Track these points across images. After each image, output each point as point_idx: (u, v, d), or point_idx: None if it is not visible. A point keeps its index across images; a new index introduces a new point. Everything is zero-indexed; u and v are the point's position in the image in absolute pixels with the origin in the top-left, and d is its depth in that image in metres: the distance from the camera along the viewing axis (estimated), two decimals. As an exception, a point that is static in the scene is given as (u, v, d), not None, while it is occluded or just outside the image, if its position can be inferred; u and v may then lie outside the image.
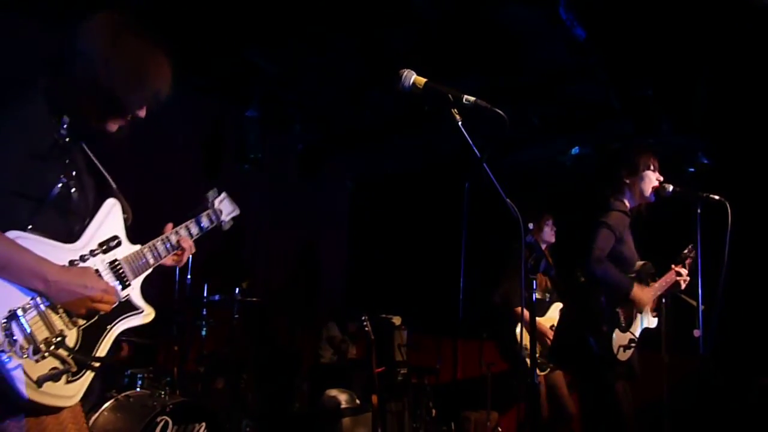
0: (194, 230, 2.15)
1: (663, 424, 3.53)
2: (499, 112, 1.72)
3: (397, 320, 5.78)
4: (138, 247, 1.88)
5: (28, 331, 1.49)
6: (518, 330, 4.48)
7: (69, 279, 1.58)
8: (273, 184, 6.04)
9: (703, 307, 3.08)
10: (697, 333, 3.03)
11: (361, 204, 7.52)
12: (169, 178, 4.85)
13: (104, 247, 1.75)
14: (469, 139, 1.76)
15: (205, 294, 4.36)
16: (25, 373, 1.46)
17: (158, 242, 1.96)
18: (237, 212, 2.39)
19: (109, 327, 1.73)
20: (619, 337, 3.06)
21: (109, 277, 1.75)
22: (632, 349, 3.10)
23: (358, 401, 4.64)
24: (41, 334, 1.53)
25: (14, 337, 1.47)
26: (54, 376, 1.51)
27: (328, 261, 6.95)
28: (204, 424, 3.34)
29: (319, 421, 4.51)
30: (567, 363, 3.48)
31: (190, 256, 2.10)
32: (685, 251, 3.41)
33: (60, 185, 1.64)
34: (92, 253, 1.71)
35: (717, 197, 3.09)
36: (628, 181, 3.26)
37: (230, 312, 4.42)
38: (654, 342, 3.35)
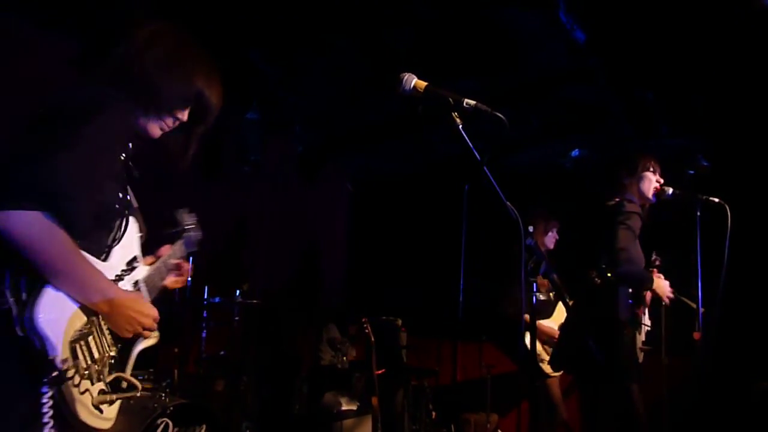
0: (188, 249, 2.16)
1: (663, 426, 3.54)
2: (499, 115, 1.72)
3: (397, 322, 5.78)
4: (149, 267, 1.87)
5: (93, 352, 1.48)
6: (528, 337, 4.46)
7: (129, 305, 1.57)
8: (273, 187, 6.04)
9: (703, 310, 3.09)
10: (697, 335, 3.04)
11: (361, 206, 7.53)
12: (168, 180, 4.84)
13: (129, 268, 1.73)
14: (469, 142, 1.76)
15: (205, 296, 4.36)
16: (84, 394, 1.45)
17: (162, 264, 1.94)
18: (199, 235, 2.32)
19: (133, 348, 1.73)
20: (638, 339, 3.08)
21: None
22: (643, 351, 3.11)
23: (357, 403, 4.64)
24: (97, 355, 1.52)
25: (78, 359, 1.44)
26: (106, 399, 1.51)
27: (328, 263, 6.95)
28: (204, 425, 3.34)
29: (319, 423, 4.51)
30: (575, 368, 3.42)
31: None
32: (652, 258, 3.40)
33: (117, 205, 1.63)
34: (123, 273, 1.69)
35: (716, 200, 3.10)
36: (626, 182, 3.26)
37: (230, 314, 4.42)
38: (654, 344, 3.36)
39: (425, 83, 1.82)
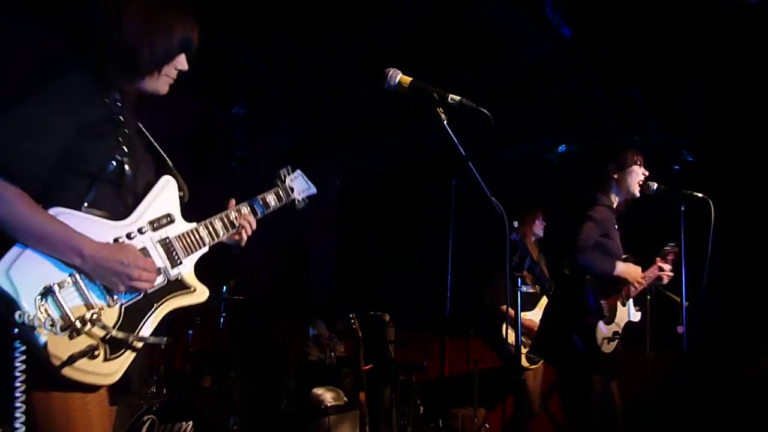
0: (258, 208, 2.12)
1: (648, 419, 3.57)
2: (484, 111, 1.72)
3: (384, 317, 5.79)
4: (193, 225, 1.84)
5: (64, 307, 1.47)
6: (504, 328, 4.51)
7: (106, 255, 1.54)
8: (260, 182, 6.01)
9: (687, 304, 3.12)
10: (680, 329, 3.07)
11: (349, 201, 7.52)
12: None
13: (154, 225, 1.72)
14: (454, 137, 1.77)
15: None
16: (56, 349, 1.44)
17: (216, 219, 1.92)
18: (312, 191, 2.37)
19: (156, 305, 1.68)
20: (603, 329, 3.10)
21: (157, 256, 1.70)
22: (616, 342, 3.13)
23: (345, 399, 4.65)
24: (78, 311, 1.50)
25: (48, 313, 1.45)
26: (88, 353, 1.48)
27: (316, 259, 6.94)
28: (191, 422, 3.34)
29: (307, 419, 4.50)
30: (551, 357, 3.51)
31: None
32: (668, 247, 3.46)
33: (114, 162, 1.62)
34: (140, 231, 1.68)
35: (700, 195, 3.14)
36: (616, 176, 3.31)
37: (217, 310, 4.41)
38: (639, 338, 3.39)
39: (410, 79, 1.81)
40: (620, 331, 3.19)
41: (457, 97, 1.76)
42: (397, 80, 1.82)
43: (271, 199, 2.20)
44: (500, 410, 5.53)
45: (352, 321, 4.52)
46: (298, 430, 4.53)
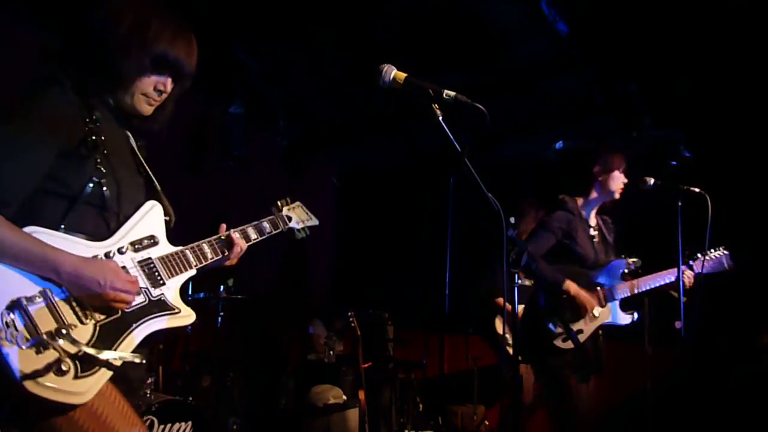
0: (252, 234, 2.08)
1: (646, 415, 3.57)
2: (479, 106, 1.72)
3: (383, 316, 5.79)
4: (179, 248, 1.83)
5: (30, 321, 1.44)
6: (498, 321, 4.53)
7: (83, 271, 1.52)
8: (257, 182, 6.01)
9: (685, 299, 3.12)
10: (678, 324, 3.07)
11: (347, 200, 7.52)
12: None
13: (136, 246, 1.70)
14: (449, 134, 1.76)
15: (189, 291, 4.33)
16: (20, 362, 1.40)
17: (204, 243, 1.91)
18: (314, 222, 2.36)
19: (134, 325, 1.64)
20: (552, 327, 3.13)
21: (137, 276, 1.68)
22: (585, 339, 3.14)
23: (344, 397, 4.65)
24: (46, 325, 1.46)
25: (13, 326, 1.42)
26: (54, 368, 1.44)
27: (315, 257, 6.93)
28: (190, 422, 3.32)
29: (306, 418, 4.50)
30: (524, 353, 3.52)
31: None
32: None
33: (92, 184, 1.61)
34: (120, 251, 1.66)
35: (697, 190, 3.14)
36: (600, 178, 3.34)
37: (216, 310, 4.40)
38: (637, 334, 3.39)
39: (405, 74, 1.81)
40: (584, 330, 3.16)
41: (452, 93, 1.76)
42: (391, 76, 1.81)
43: (265, 225, 2.18)
44: (499, 407, 5.53)
45: (351, 320, 4.51)
46: (298, 429, 4.53)
